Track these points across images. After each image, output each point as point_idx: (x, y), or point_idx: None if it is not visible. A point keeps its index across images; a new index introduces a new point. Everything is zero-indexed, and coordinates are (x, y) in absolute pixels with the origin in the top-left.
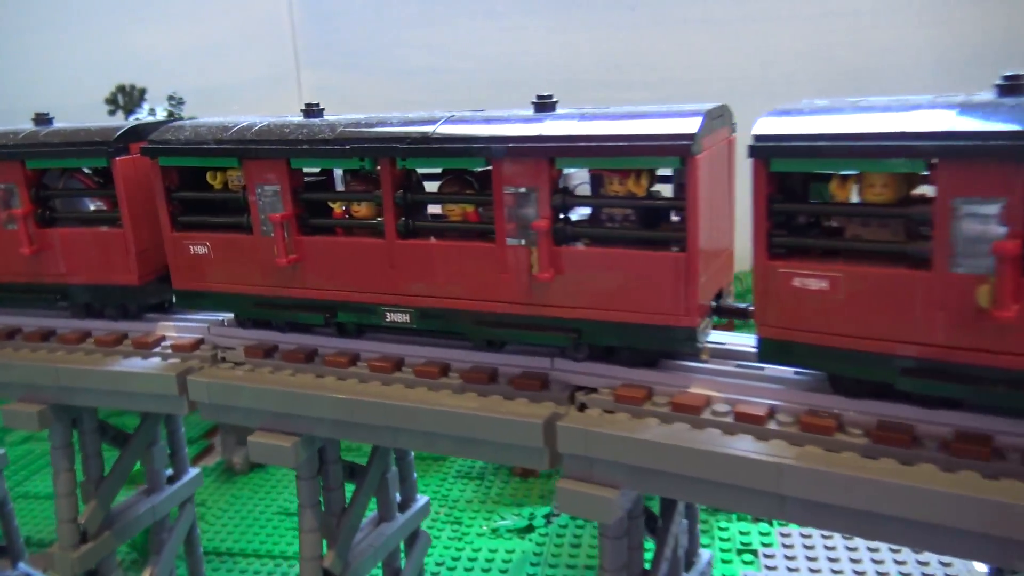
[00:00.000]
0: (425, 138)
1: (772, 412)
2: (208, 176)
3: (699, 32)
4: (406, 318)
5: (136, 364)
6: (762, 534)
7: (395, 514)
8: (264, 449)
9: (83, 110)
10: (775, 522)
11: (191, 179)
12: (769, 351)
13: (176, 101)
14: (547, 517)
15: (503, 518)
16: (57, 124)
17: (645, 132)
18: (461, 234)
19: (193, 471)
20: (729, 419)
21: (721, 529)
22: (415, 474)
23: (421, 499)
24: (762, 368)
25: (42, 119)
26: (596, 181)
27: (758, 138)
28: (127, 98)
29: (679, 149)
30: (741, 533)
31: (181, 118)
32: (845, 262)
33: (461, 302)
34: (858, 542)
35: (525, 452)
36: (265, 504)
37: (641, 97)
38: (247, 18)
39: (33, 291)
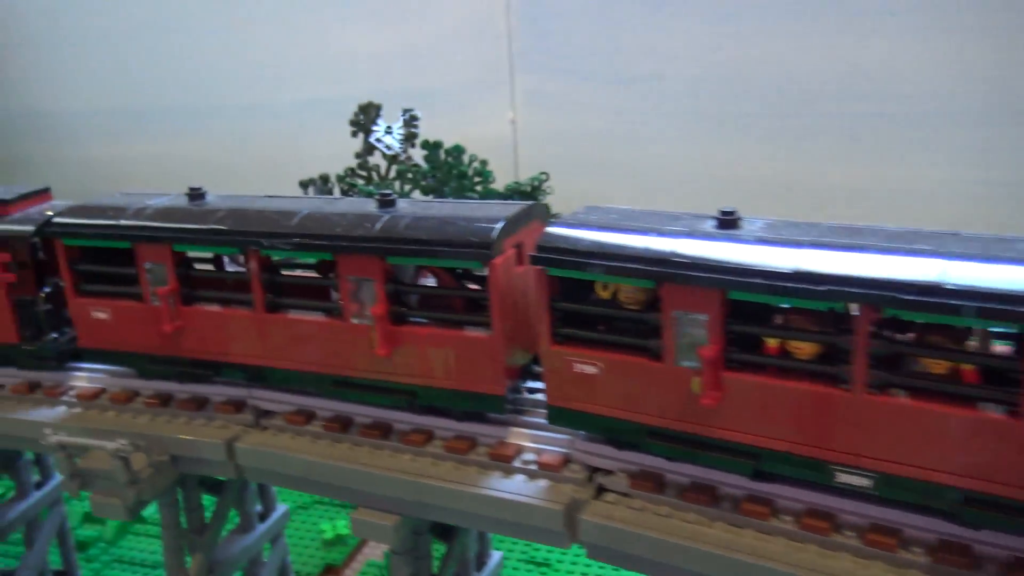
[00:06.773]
0: None
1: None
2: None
3: None
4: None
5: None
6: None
7: None
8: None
9: (295, 107)
10: None
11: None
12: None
13: (412, 118)
14: None
15: None
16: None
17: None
18: None
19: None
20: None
21: None
22: None
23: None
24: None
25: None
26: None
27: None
28: (366, 117)
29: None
30: None
31: (415, 137)
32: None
33: None
34: None
35: None
36: None
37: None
38: (461, 19)
39: (381, 389)
